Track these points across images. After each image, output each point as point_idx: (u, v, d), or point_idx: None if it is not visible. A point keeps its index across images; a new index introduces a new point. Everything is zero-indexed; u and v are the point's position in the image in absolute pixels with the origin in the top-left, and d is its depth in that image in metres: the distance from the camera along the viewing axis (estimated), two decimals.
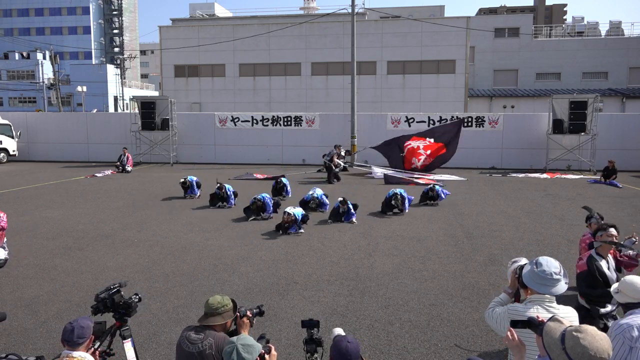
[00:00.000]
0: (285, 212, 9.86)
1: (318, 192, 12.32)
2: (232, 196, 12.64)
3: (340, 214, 10.82)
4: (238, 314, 3.34)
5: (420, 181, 17.08)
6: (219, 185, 12.50)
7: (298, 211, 10.09)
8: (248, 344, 2.67)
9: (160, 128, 23.25)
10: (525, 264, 3.26)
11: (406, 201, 11.90)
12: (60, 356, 2.99)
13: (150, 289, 6.65)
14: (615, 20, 41.55)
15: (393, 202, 11.62)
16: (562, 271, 2.95)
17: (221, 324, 3.27)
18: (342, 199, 10.89)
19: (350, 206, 10.89)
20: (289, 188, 14.25)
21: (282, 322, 5.58)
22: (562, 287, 2.91)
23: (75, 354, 2.98)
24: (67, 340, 3.03)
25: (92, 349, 3.29)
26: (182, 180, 13.74)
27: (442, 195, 13.05)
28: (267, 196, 11.42)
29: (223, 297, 3.33)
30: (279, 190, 14.03)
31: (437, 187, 13.18)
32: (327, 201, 12.16)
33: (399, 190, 11.91)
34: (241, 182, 16.65)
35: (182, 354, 3.19)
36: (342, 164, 18.81)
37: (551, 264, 2.94)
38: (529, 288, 3.06)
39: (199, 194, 14.02)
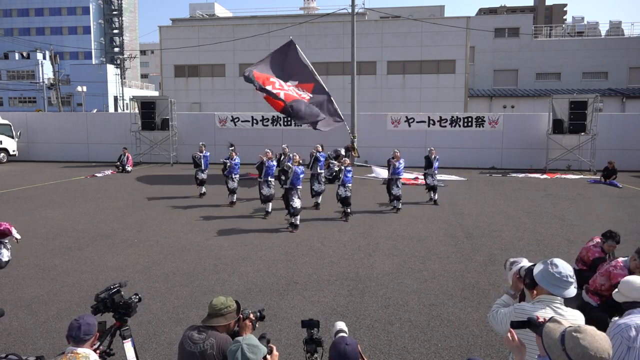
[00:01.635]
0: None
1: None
2: (235, 166, 12.89)
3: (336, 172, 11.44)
4: (241, 315, 3.34)
5: (420, 180, 17.08)
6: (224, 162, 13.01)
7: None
8: (253, 344, 2.68)
9: (160, 128, 23.25)
10: (530, 265, 3.24)
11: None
12: (65, 352, 2.98)
13: (150, 289, 6.65)
14: (615, 20, 41.52)
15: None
16: (574, 276, 2.94)
17: (224, 325, 3.27)
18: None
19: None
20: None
21: (282, 322, 5.58)
22: (573, 290, 2.91)
23: (80, 350, 2.98)
24: (74, 337, 3.02)
25: (92, 347, 3.29)
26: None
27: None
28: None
29: (227, 298, 3.33)
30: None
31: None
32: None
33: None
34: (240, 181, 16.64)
35: (184, 353, 3.19)
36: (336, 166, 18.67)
37: (566, 266, 2.93)
38: (536, 289, 3.05)
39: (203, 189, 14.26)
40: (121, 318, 3.65)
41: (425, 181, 13.46)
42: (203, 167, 14.09)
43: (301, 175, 10.46)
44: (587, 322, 4.26)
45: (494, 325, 3.15)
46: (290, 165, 10.43)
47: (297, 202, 10.25)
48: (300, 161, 10.90)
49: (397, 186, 12.19)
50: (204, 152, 14.35)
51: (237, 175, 12.95)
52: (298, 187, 10.39)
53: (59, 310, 5.96)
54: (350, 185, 11.25)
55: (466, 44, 30.89)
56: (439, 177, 17.99)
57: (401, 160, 12.40)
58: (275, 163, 11.90)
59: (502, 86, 36.35)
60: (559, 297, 2.90)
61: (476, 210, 12.32)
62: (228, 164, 12.81)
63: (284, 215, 11.06)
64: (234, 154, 13.00)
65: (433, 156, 13.23)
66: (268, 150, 11.85)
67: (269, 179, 11.45)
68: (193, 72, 34.14)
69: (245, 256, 8.25)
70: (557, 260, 2.95)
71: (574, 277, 2.92)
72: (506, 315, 3.00)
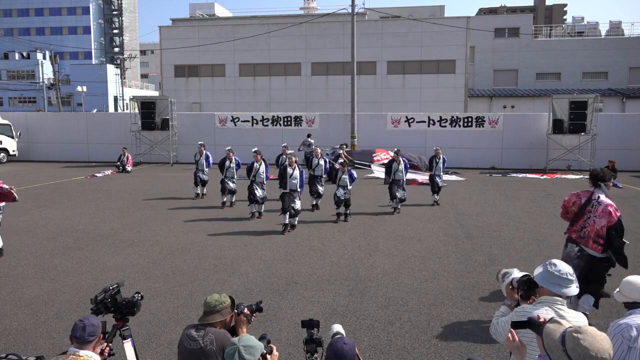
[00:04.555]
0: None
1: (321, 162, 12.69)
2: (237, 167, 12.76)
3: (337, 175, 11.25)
4: (236, 310, 3.37)
5: (420, 179, 17.07)
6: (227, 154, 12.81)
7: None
8: (250, 345, 2.67)
9: (160, 128, 23.27)
10: (522, 276, 3.25)
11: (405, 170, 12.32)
12: (67, 353, 2.93)
13: (150, 289, 6.64)
14: (615, 20, 41.51)
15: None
16: (574, 275, 2.96)
17: (221, 320, 3.31)
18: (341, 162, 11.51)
19: (353, 172, 11.34)
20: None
21: (282, 322, 5.58)
22: (574, 289, 2.93)
23: (82, 352, 2.93)
24: (77, 338, 2.95)
25: (100, 346, 3.29)
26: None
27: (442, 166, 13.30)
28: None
29: (220, 295, 3.38)
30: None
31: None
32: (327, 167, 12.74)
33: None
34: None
35: (184, 351, 3.21)
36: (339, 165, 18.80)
37: (566, 265, 2.98)
38: (539, 290, 3.07)
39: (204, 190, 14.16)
40: (123, 317, 3.64)
41: (434, 182, 12.98)
42: (205, 167, 13.96)
43: (302, 177, 10.30)
44: (592, 275, 4.98)
45: (497, 336, 3.12)
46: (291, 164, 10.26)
47: (298, 204, 10.09)
48: (296, 162, 10.52)
49: (403, 189, 11.98)
50: (205, 152, 14.17)
51: (235, 177, 12.76)
52: (299, 190, 10.21)
53: (59, 310, 5.96)
54: (350, 187, 11.11)
55: (466, 44, 30.91)
56: (446, 177, 17.97)
57: (405, 160, 12.34)
58: (262, 167, 11.43)
59: (502, 86, 36.35)
60: (562, 299, 2.91)
61: (476, 210, 12.31)
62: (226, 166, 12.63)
63: (278, 215, 10.85)
64: (231, 154, 12.73)
65: (438, 157, 13.02)
66: (257, 153, 11.49)
67: (262, 181, 11.23)
68: (193, 72, 34.15)
69: (245, 256, 8.24)
70: (556, 260, 3.01)
71: (574, 276, 2.95)
72: (507, 322, 3.00)
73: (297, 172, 10.22)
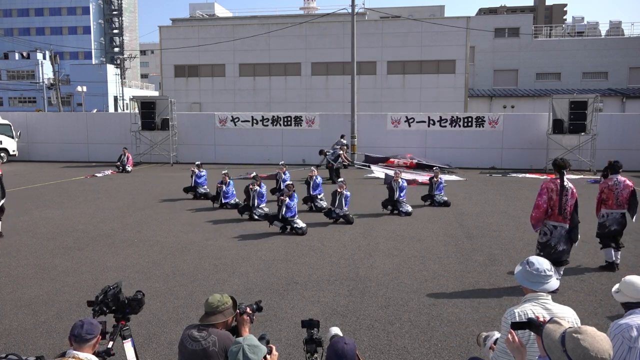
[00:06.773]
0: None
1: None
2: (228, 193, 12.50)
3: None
4: (238, 310, 3.36)
5: (420, 179, 17.07)
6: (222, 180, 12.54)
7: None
8: (254, 345, 2.69)
9: (160, 128, 23.27)
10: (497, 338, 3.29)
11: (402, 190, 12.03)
12: (66, 355, 2.91)
13: (150, 289, 6.64)
14: (615, 20, 41.52)
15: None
16: (552, 269, 3.05)
17: (223, 321, 3.29)
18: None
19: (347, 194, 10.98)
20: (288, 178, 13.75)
21: (282, 322, 5.58)
22: (554, 283, 3.03)
23: (82, 355, 2.90)
24: (76, 336, 2.93)
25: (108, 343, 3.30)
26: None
27: (441, 184, 13.15)
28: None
29: (222, 295, 3.35)
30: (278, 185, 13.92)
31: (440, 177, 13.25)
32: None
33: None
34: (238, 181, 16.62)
35: (186, 352, 3.19)
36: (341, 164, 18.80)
37: (542, 262, 3.06)
38: (522, 289, 3.12)
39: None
40: (125, 317, 3.63)
41: (432, 200, 12.91)
42: (201, 184, 13.81)
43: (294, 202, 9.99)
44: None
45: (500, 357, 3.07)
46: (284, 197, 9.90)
47: (301, 223, 9.87)
48: (294, 192, 10.12)
49: (406, 203, 11.84)
50: (200, 171, 13.88)
51: (235, 199, 12.44)
52: (296, 216, 9.97)
53: (59, 310, 5.96)
54: (347, 208, 10.88)
55: (466, 44, 30.92)
56: (446, 177, 17.90)
57: (404, 181, 12.22)
58: (264, 190, 11.30)
59: (502, 86, 36.37)
60: (545, 293, 2.99)
61: (476, 210, 12.32)
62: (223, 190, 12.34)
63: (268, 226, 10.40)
64: (227, 178, 12.40)
65: (436, 178, 12.97)
66: (255, 179, 11.35)
67: (261, 204, 11.08)
68: (193, 72, 34.16)
69: (245, 256, 8.24)
70: (533, 258, 3.09)
71: (552, 269, 3.05)
72: (502, 337, 3.01)
73: (294, 201, 9.94)
